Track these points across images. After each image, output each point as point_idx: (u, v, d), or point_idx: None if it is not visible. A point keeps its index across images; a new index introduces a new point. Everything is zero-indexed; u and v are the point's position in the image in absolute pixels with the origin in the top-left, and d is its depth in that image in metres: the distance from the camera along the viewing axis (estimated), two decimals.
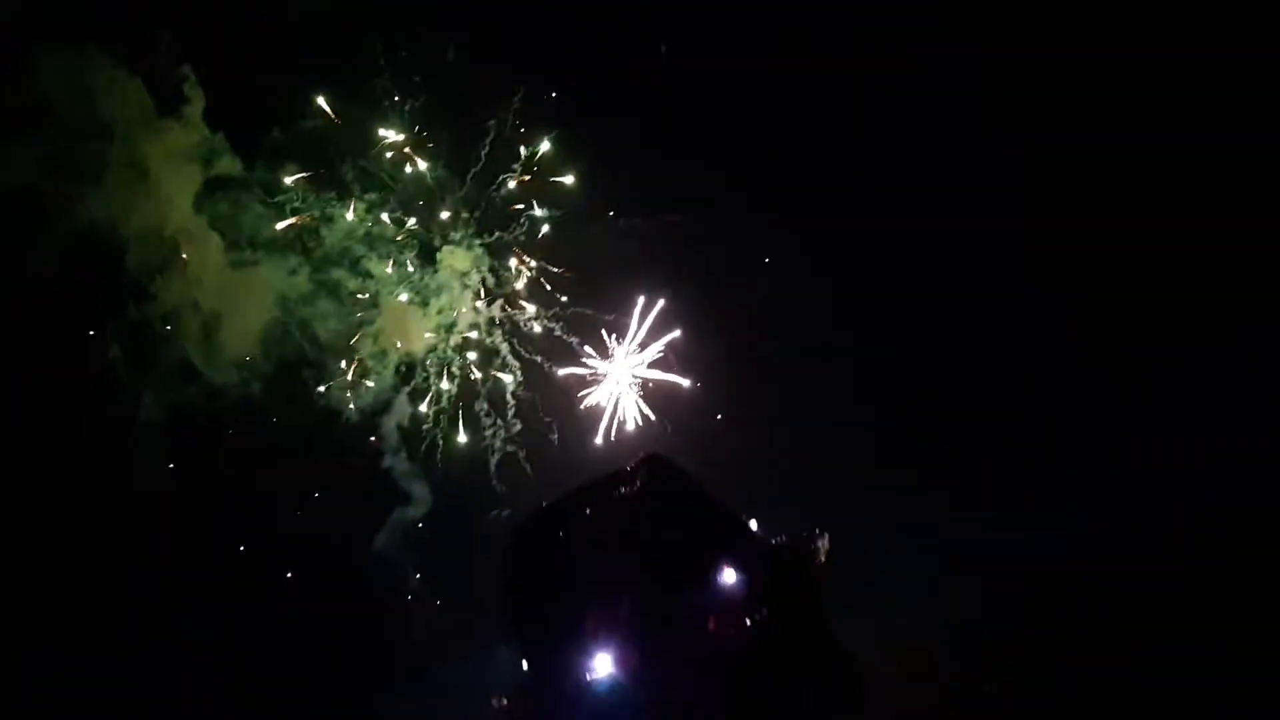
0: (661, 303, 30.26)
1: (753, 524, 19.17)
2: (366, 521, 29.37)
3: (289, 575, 29.20)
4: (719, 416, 29.84)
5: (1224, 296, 23.48)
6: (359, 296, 29.10)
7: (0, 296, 25.57)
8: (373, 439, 29.50)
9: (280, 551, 29.20)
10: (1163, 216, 24.01)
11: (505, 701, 17.44)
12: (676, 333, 30.47)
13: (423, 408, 29.72)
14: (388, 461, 29.67)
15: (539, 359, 30.40)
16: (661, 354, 30.67)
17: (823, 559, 18.13)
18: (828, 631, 17.44)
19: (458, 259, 29.69)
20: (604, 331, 30.33)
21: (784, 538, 18.68)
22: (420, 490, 29.66)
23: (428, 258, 29.58)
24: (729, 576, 17.99)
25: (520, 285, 30.13)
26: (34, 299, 25.74)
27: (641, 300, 30.23)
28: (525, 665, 17.38)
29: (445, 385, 29.88)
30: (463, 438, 29.83)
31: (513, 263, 29.97)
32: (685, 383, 30.42)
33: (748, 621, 17.63)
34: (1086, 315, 24.47)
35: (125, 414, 27.24)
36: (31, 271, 25.59)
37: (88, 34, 24.68)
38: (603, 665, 17.27)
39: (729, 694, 16.82)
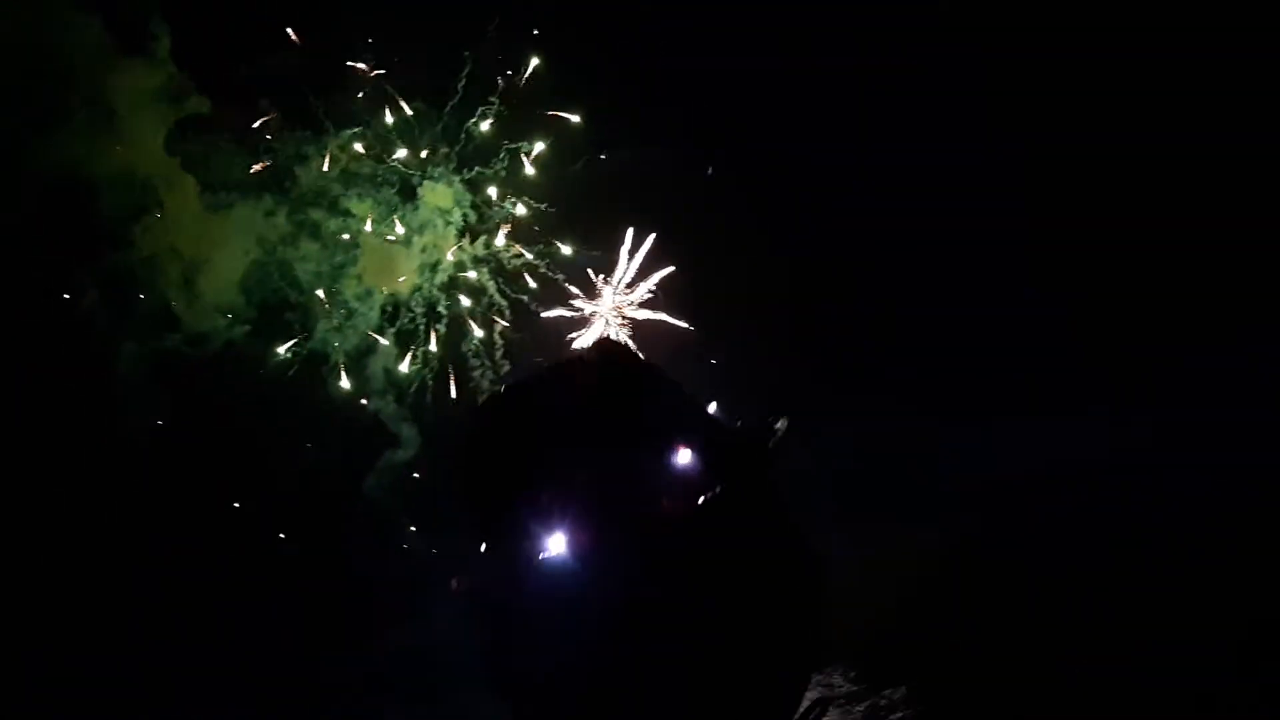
0: (651, 238, 29.66)
1: (712, 407, 18.61)
2: (357, 467, 29.01)
3: (281, 535, 28.87)
4: (713, 361, 29.15)
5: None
6: (340, 237, 28.78)
7: None
8: (357, 382, 29.14)
9: (272, 503, 28.90)
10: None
11: (462, 583, 17.06)
12: (669, 269, 29.87)
13: (409, 349, 29.35)
14: (374, 404, 29.28)
15: (525, 299, 29.94)
16: (652, 293, 30.07)
17: (778, 439, 17.55)
18: (788, 523, 16.87)
19: (439, 196, 29.27)
20: (590, 271, 29.79)
21: (740, 421, 18.14)
22: (409, 433, 29.24)
23: (408, 195, 29.19)
24: (683, 456, 17.43)
25: (504, 222, 29.67)
26: (3, 251, 25.69)
27: (630, 236, 29.64)
28: (483, 548, 16.98)
29: (431, 325, 29.47)
30: (450, 380, 29.42)
31: (494, 196, 29.50)
32: (677, 323, 29.79)
33: (700, 500, 17.08)
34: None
35: (105, 364, 27.05)
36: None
37: None
38: (555, 544, 16.83)
39: (681, 573, 16.28)
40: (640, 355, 18.23)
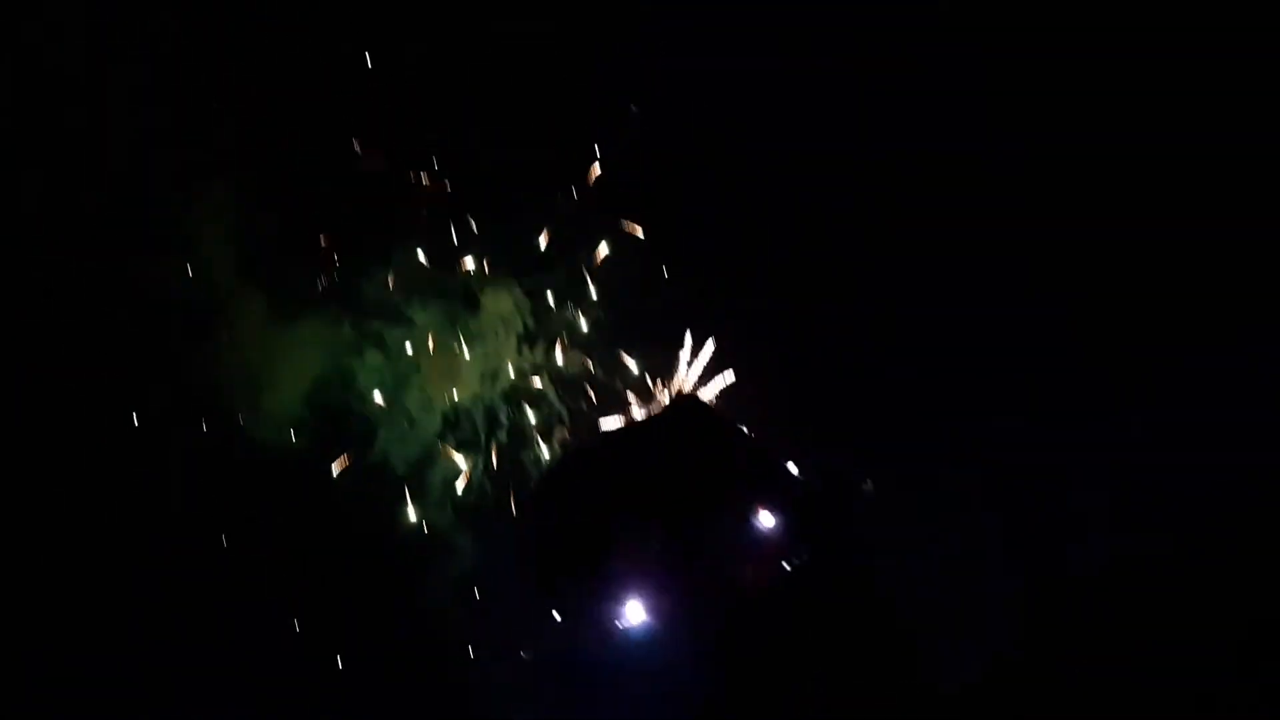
0: (710, 345, 29.57)
1: (791, 467, 18.12)
2: (412, 576, 28.47)
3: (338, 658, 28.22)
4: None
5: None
6: (403, 345, 29.00)
7: (46, 372, 26.01)
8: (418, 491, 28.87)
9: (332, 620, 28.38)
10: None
11: (533, 654, 16.43)
12: (728, 376, 29.66)
13: (467, 457, 29.12)
14: (433, 514, 28.95)
15: (584, 406, 29.78)
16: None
17: (865, 502, 17.00)
18: (874, 583, 16.20)
19: (500, 303, 29.56)
20: (647, 376, 29.66)
21: (824, 481, 17.59)
22: (464, 542, 28.77)
23: (470, 303, 29.47)
24: (765, 519, 16.90)
25: (564, 330, 29.81)
26: (75, 372, 26.12)
27: (689, 340, 29.59)
28: (556, 617, 16.38)
29: (491, 435, 29.32)
30: (509, 487, 29.05)
31: (555, 306, 29.72)
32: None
33: (786, 566, 16.46)
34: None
35: (168, 471, 27.11)
36: (69, 344, 26.06)
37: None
38: (634, 613, 16.18)
39: (767, 640, 15.56)
40: (718, 411, 17.91)
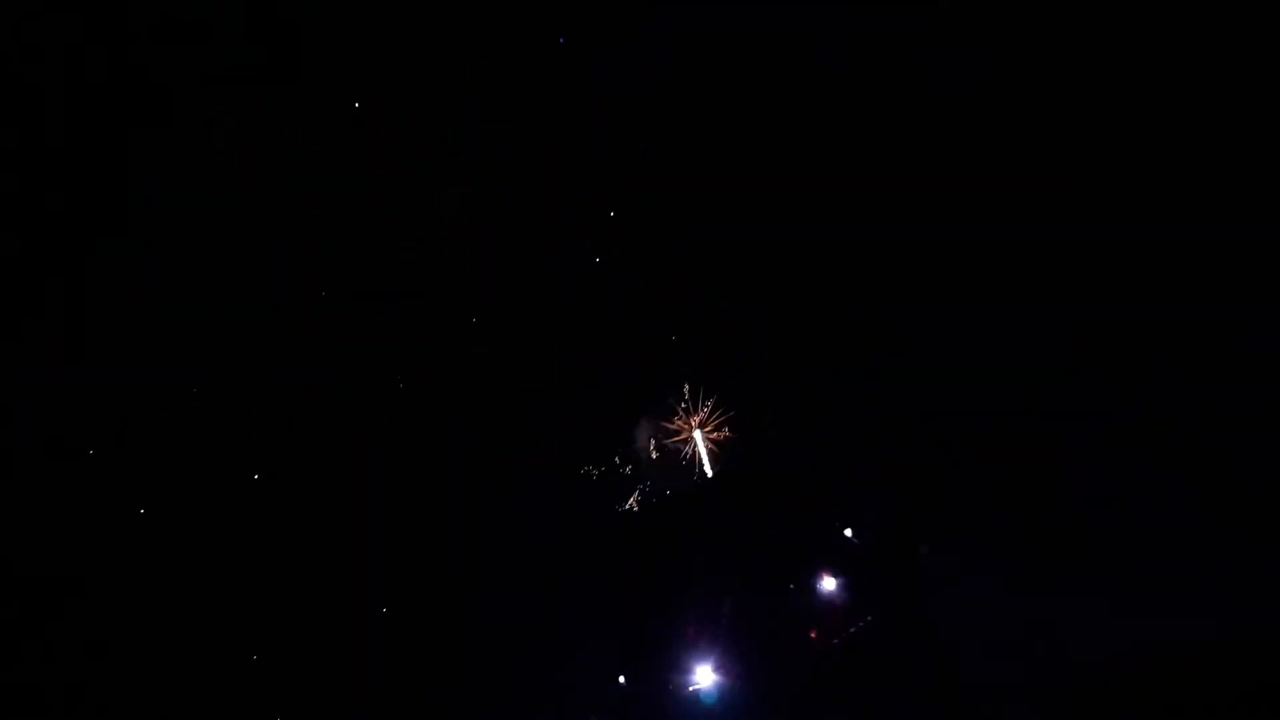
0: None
1: (848, 532, 18.61)
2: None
3: None
4: None
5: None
6: None
7: None
8: None
9: None
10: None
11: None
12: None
13: None
14: None
15: None
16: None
17: (924, 564, 17.52)
18: (935, 640, 16.70)
19: None
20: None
21: (881, 544, 18.11)
22: None
23: None
24: (828, 584, 17.44)
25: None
26: None
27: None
28: (622, 680, 16.81)
29: None
30: None
31: None
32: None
33: (849, 630, 16.97)
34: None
35: None
36: None
37: None
38: (704, 676, 16.66)
39: (832, 702, 16.09)
40: (778, 480, 18.43)
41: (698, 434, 29.48)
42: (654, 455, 29.05)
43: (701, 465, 28.30)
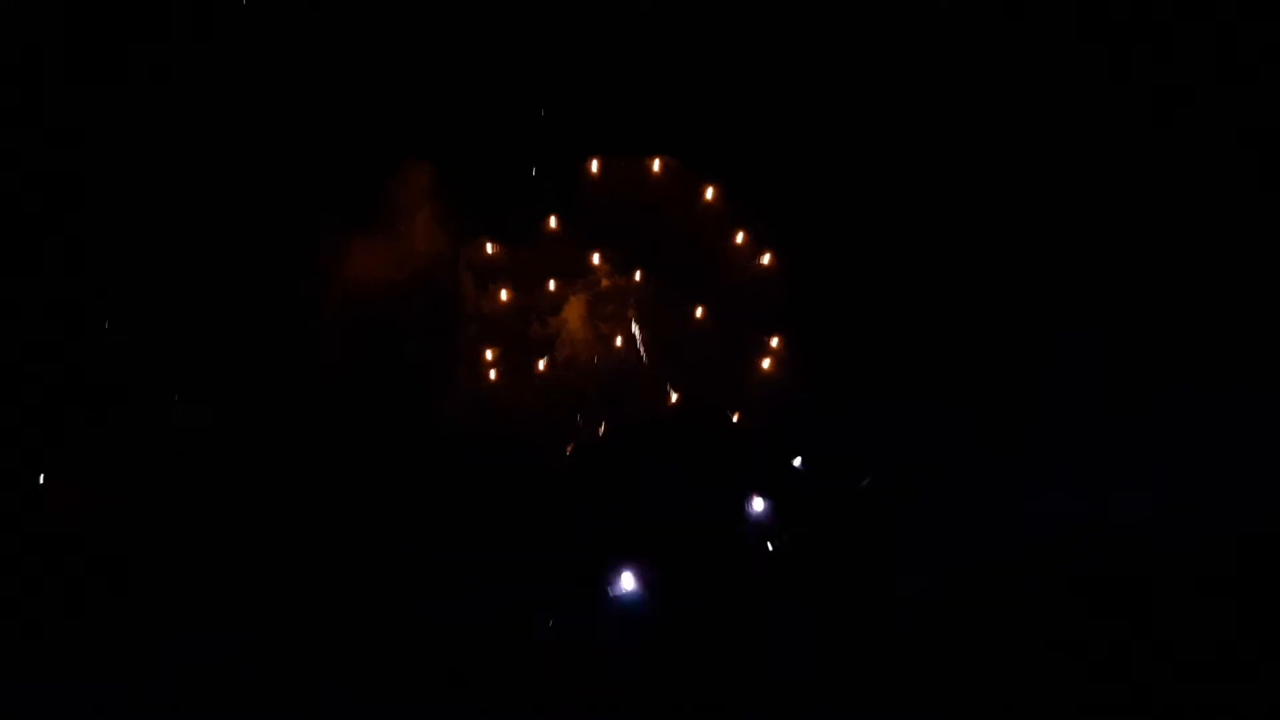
0: None
1: (796, 461, 19.10)
2: None
3: None
4: None
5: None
6: None
7: None
8: None
9: None
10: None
11: (551, 622, 17.90)
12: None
13: None
14: None
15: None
16: None
17: (860, 494, 18.01)
18: (864, 566, 17.23)
19: None
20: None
21: (825, 475, 18.54)
22: None
23: None
24: (757, 505, 18.07)
25: None
26: None
27: None
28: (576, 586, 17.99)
29: None
30: None
31: None
32: None
33: (769, 546, 17.63)
34: None
35: None
36: None
37: None
38: (626, 581, 17.58)
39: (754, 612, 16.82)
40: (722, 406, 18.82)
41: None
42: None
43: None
